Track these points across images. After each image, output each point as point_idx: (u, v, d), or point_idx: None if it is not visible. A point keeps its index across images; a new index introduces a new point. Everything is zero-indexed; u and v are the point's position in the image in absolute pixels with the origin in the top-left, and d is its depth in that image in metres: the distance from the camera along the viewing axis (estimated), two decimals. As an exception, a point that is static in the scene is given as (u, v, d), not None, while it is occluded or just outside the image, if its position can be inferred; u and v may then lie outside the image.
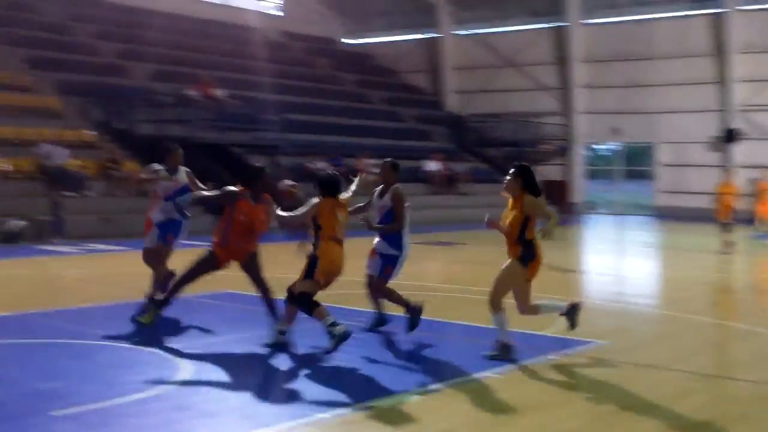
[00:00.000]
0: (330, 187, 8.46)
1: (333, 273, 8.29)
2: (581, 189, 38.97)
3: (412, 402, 6.67)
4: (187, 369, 7.46)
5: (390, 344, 8.92)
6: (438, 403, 6.69)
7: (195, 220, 10.50)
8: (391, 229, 9.03)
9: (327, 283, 8.35)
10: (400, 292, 9.29)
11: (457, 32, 42.56)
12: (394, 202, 9.11)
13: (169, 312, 9.03)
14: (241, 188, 8.48)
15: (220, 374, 7.36)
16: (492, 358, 8.04)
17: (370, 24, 46.06)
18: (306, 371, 7.60)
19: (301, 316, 8.34)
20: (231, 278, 10.31)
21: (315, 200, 8.35)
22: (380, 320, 9.38)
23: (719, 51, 34.39)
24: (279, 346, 8.28)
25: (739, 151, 33.51)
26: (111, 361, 7.80)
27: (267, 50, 37.01)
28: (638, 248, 23.50)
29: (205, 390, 6.93)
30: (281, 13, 44.26)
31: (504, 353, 8.09)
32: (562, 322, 8.90)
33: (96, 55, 31.24)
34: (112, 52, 32.11)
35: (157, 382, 7.02)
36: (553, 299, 8.77)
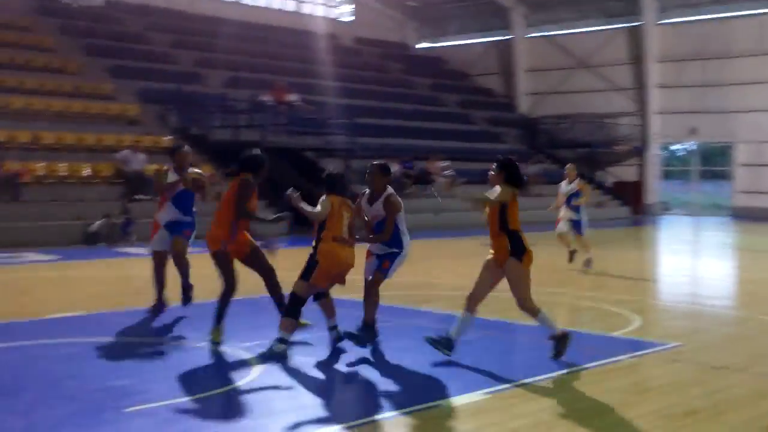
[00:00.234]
0: (337, 184, 8.25)
1: (335, 275, 8.10)
2: (656, 190, 38.36)
3: (479, 402, 6.66)
4: (257, 367, 7.58)
5: (461, 345, 8.89)
6: (506, 404, 6.67)
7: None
8: (378, 241, 8.36)
9: (329, 286, 8.22)
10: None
11: (530, 34, 42.30)
12: (386, 210, 8.32)
13: (240, 311, 9.18)
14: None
15: (290, 373, 7.46)
16: (556, 355, 7.93)
17: (443, 28, 46.15)
18: (373, 370, 7.64)
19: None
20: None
21: (324, 198, 8.12)
22: (372, 333, 8.46)
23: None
24: (337, 342, 8.29)
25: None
26: (183, 359, 7.96)
27: (339, 56, 37.39)
28: (714, 249, 23.02)
29: (275, 388, 7.03)
30: (352, 19, 44.56)
31: (563, 345, 7.94)
32: (637, 322, 8.81)
33: (174, 64, 31.96)
34: (189, 60, 32.80)
35: (228, 380, 7.15)
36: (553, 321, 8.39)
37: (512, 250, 7.85)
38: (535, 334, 9.65)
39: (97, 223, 19.83)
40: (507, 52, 43.06)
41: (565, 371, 7.59)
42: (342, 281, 8.22)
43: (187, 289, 10.09)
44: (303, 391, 6.99)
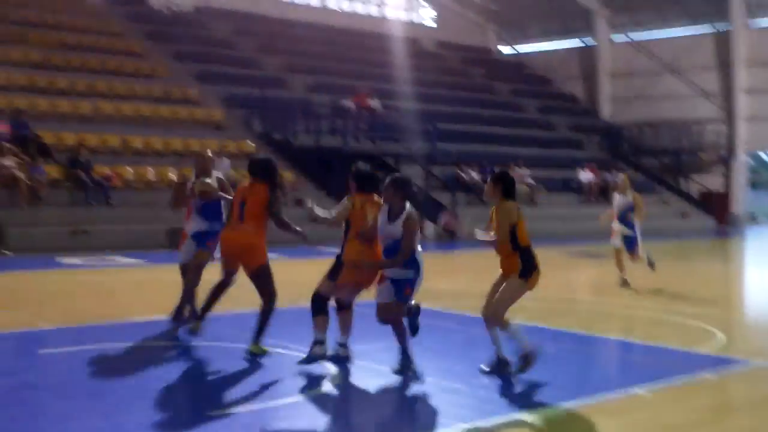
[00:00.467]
0: (366, 183, 7.96)
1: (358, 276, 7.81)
2: (743, 200, 37.39)
3: (556, 417, 6.63)
4: (337, 375, 7.69)
5: (540, 357, 8.87)
6: (583, 420, 6.64)
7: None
8: (395, 265, 7.66)
9: (354, 295, 8.01)
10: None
11: (614, 38, 41.75)
12: (406, 230, 7.62)
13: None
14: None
15: (368, 381, 7.54)
16: (520, 371, 7.66)
17: (525, 32, 45.91)
18: (446, 381, 7.64)
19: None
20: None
21: (345, 199, 7.92)
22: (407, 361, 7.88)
23: None
24: (340, 359, 7.98)
25: None
26: (265, 364, 8.10)
27: (421, 60, 37.50)
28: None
29: (353, 396, 7.13)
30: (435, 24, 44.64)
31: (529, 361, 7.67)
32: (720, 338, 8.62)
33: (259, 69, 32.50)
34: (274, 65, 33.33)
35: (308, 387, 7.27)
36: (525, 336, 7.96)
37: (522, 269, 7.61)
38: (613, 348, 9.58)
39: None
40: (590, 57, 42.57)
41: (644, 387, 7.51)
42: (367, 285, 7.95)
43: (182, 307, 9.62)
44: (385, 400, 7.08)
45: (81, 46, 28.28)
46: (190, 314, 9.53)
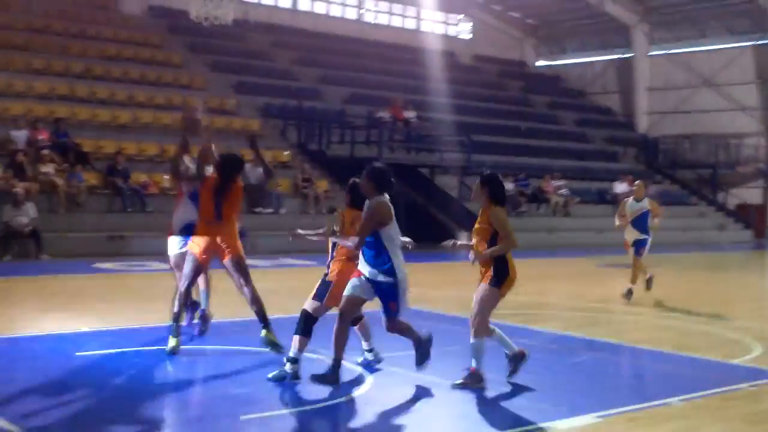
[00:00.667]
0: (358, 197, 7.65)
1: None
2: (782, 213, 36.95)
3: (590, 427, 6.58)
4: (371, 381, 7.70)
5: (573, 366, 8.85)
6: (619, 430, 6.59)
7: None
8: (346, 245, 7.47)
9: (358, 308, 7.70)
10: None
11: (652, 52, 41.51)
12: (364, 215, 7.35)
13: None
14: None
15: (403, 389, 7.53)
16: (459, 385, 7.50)
17: (562, 46, 45.81)
18: (484, 389, 7.63)
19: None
20: (431, 297, 10.48)
21: (335, 213, 7.75)
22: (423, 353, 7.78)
23: None
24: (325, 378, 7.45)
25: None
26: (307, 369, 8.13)
27: (457, 73, 37.53)
28: None
29: (389, 402, 7.13)
30: (471, 37, 44.67)
31: (475, 381, 7.52)
32: (757, 350, 8.52)
33: (295, 80, 32.71)
34: (311, 76, 33.52)
35: (340, 393, 7.29)
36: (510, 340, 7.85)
37: (495, 276, 7.50)
38: (648, 358, 9.51)
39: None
40: (627, 70, 42.32)
41: (680, 398, 7.45)
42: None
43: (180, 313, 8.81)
44: (413, 406, 7.09)
45: (121, 57, 28.64)
46: (181, 308, 8.88)
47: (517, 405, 7.13)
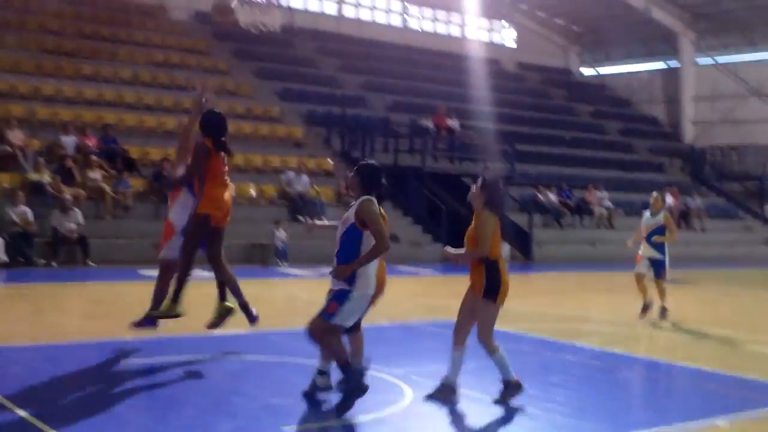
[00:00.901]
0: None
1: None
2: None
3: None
4: (411, 394, 7.71)
5: (614, 382, 8.79)
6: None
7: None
8: (367, 261, 7.00)
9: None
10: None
11: (699, 61, 41.05)
12: (356, 217, 6.98)
13: (396, 337, 9.34)
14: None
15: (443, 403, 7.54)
16: (500, 400, 7.46)
17: (607, 54, 45.47)
18: (522, 405, 7.60)
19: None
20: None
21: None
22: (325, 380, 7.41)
23: None
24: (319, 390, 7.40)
25: None
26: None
27: (501, 81, 37.44)
28: None
29: (430, 417, 7.14)
30: (515, 45, 44.56)
31: (511, 392, 7.45)
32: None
33: (339, 87, 32.86)
34: (355, 84, 33.66)
35: (383, 406, 7.30)
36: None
37: (487, 286, 7.32)
38: (692, 377, 9.39)
39: (275, 243, 20.80)
40: (673, 79, 41.92)
41: (725, 419, 7.35)
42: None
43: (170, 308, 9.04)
44: (454, 421, 7.08)
45: (168, 64, 29.00)
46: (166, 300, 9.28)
47: (559, 423, 7.10)
